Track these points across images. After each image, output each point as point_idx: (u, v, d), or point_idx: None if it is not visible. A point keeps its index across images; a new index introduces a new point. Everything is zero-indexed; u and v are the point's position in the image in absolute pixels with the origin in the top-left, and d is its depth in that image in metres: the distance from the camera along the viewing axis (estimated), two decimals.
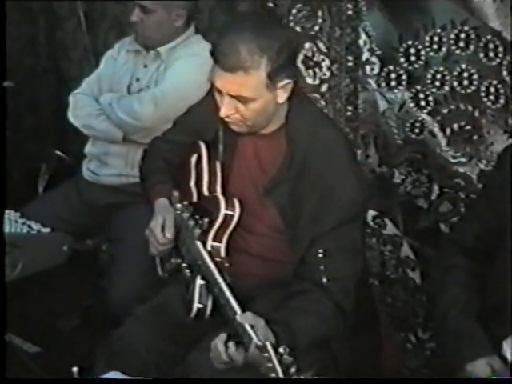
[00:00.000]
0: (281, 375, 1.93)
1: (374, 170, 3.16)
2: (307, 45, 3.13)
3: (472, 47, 2.95)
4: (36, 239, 3.05)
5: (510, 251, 2.21)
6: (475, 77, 2.97)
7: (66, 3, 4.27)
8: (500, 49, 2.91)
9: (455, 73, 2.99)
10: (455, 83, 2.99)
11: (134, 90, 3.24)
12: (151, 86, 3.19)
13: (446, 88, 3.02)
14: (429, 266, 3.00)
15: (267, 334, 2.04)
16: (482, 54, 2.94)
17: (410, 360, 3.13)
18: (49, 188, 3.70)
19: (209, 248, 2.32)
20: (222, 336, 2.08)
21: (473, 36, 2.94)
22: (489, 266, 2.30)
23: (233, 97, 2.19)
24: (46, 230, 3.08)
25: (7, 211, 3.06)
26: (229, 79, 2.16)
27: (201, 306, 2.29)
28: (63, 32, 4.34)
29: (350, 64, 3.12)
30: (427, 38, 3.01)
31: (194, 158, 2.49)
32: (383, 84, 3.11)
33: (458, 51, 2.98)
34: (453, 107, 3.02)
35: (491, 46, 2.92)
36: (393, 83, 3.09)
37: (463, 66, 2.98)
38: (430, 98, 3.05)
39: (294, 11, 3.13)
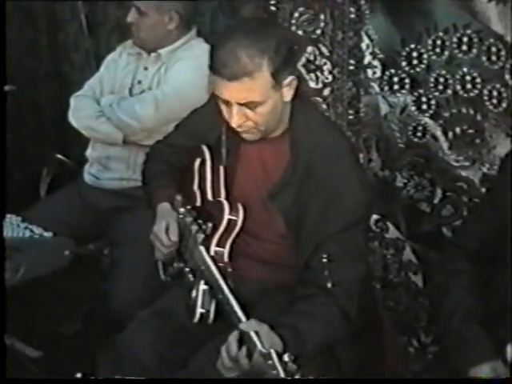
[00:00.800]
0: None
1: (376, 174, 3.15)
2: (309, 48, 3.13)
3: (474, 51, 2.95)
4: (38, 243, 3.05)
5: None
6: (478, 80, 2.96)
7: (67, 6, 4.27)
8: (503, 52, 2.90)
9: (458, 76, 2.99)
10: (458, 87, 2.99)
11: (136, 92, 3.25)
12: (153, 88, 3.20)
13: (449, 91, 3.01)
14: (431, 270, 3.00)
15: (272, 339, 2.04)
16: (484, 58, 2.93)
17: (413, 364, 3.13)
18: (50, 192, 3.70)
19: (212, 253, 2.31)
20: (236, 334, 2.07)
21: (475, 39, 2.94)
22: (492, 269, 2.30)
23: (242, 105, 2.18)
24: (47, 234, 3.08)
25: (9, 215, 3.06)
26: (235, 88, 2.15)
27: (204, 310, 2.28)
28: (65, 35, 4.34)
29: (352, 68, 3.12)
30: (429, 42, 3.00)
31: (197, 162, 2.49)
32: (385, 87, 3.10)
33: (460, 55, 2.97)
34: (455, 111, 3.02)
35: (494, 49, 2.91)
36: (395, 87, 3.09)
37: (465, 69, 2.97)
38: (433, 102, 3.04)
39: (296, 15, 3.13)
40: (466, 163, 3.04)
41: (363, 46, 3.09)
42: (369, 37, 3.08)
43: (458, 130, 3.03)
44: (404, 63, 3.06)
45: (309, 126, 2.31)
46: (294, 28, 3.10)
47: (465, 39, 2.95)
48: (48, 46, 4.39)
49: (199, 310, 2.29)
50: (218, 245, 2.33)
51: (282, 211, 2.31)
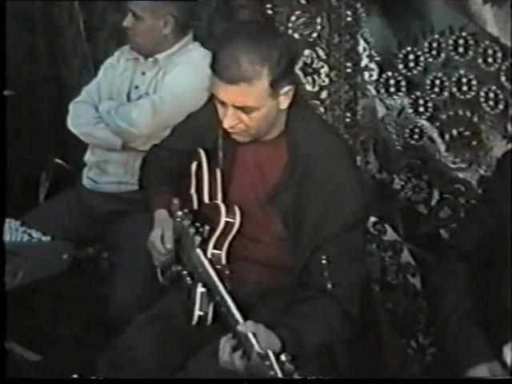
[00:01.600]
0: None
1: (373, 176, 3.16)
2: (306, 52, 3.14)
3: (471, 53, 2.96)
4: (36, 247, 3.04)
5: (510, 256, 2.21)
6: (474, 82, 2.97)
7: (65, 11, 4.27)
8: (499, 54, 2.91)
9: (454, 78, 3.00)
10: (454, 89, 3.00)
11: (134, 97, 3.25)
12: (150, 93, 3.19)
13: (445, 94, 3.02)
14: (429, 272, 2.99)
15: (269, 339, 2.04)
16: (480, 60, 2.94)
17: (411, 366, 3.13)
18: (49, 196, 3.70)
19: (209, 256, 2.32)
20: (231, 341, 2.07)
21: (471, 42, 2.95)
22: (489, 271, 2.30)
23: (237, 107, 2.19)
24: (46, 239, 3.08)
25: (8, 220, 3.06)
26: (232, 91, 2.16)
27: (202, 313, 2.28)
28: (63, 40, 4.33)
29: (349, 70, 3.13)
30: (426, 44, 3.01)
31: (193, 166, 2.50)
32: (382, 90, 3.11)
33: (456, 57, 2.98)
34: (452, 113, 3.02)
35: (490, 51, 2.92)
36: (392, 89, 3.10)
37: (462, 71, 2.98)
38: (429, 104, 3.05)
39: (293, 18, 3.14)
40: (463, 165, 3.04)
41: (360, 48, 3.10)
42: (365, 40, 3.09)
43: (454, 132, 3.04)
44: (401, 66, 3.07)
45: (306, 129, 2.32)
46: (290, 31, 3.10)
47: (461, 41, 2.96)
48: (46, 50, 4.38)
49: (197, 313, 2.29)
50: (215, 247, 2.33)
51: (279, 214, 2.32)
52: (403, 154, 3.12)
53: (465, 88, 2.98)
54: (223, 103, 2.21)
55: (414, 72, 3.06)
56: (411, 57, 3.04)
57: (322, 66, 3.15)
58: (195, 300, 2.29)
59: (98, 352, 2.58)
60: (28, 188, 3.85)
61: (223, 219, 2.33)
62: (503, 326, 2.19)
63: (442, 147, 3.06)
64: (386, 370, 2.65)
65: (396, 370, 2.82)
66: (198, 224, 2.38)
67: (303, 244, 2.27)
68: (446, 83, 3.00)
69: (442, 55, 3.00)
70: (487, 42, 2.92)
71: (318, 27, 3.12)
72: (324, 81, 3.16)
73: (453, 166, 3.05)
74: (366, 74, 3.12)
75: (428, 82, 3.04)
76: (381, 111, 3.13)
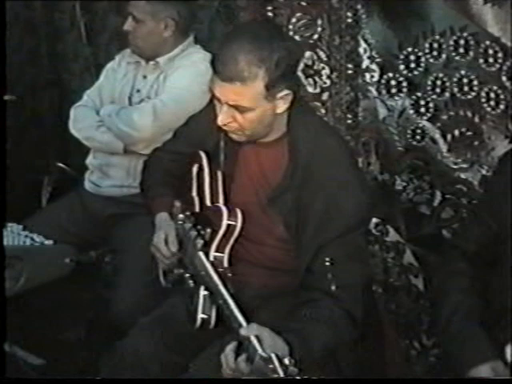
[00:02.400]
0: None
1: (375, 178, 3.16)
2: (307, 53, 3.13)
3: (471, 53, 2.95)
4: (39, 252, 3.05)
5: None
6: (475, 83, 2.97)
7: (67, 15, 4.28)
8: (499, 54, 2.91)
9: (455, 79, 2.99)
10: (455, 89, 3.00)
11: (135, 101, 3.25)
12: (152, 97, 3.20)
13: (446, 94, 3.02)
14: (432, 273, 3.00)
15: (275, 343, 2.03)
16: (481, 60, 2.94)
17: (415, 367, 3.13)
18: (51, 200, 3.70)
19: (211, 258, 2.32)
20: (233, 345, 2.07)
21: (472, 42, 2.94)
22: (491, 271, 2.30)
23: (231, 106, 2.20)
24: (48, 243, 3.08)
25: (10, 224, 3.06)
26: (227, 89, 2.17)
27: (205, 316, 2.29)
28: (64, 44, 4.35)
29: (350, 72, 3.13)
30: (427, 45, 3.01)
31: (195, 168, 2.50)
32: (383, 91, 3.11)
33: (457, 57, 2.98)
34: (453, 113, 3.02)
35: (491, 51, 2.92)
36: (393, 90, 3.10)
37: (463, 72, 2.98)
38: (431, 105, 3.05)
39: (293, 20, 3.14)
40: (465, 165, 3.04)
41: (361, 50, 3.10)
42: (366, 41, 3.09)
43: (456, 132, 3.03)
44: (402, 67, 3.07)
45: (307, 131, 2.31)
46: (291, 33, 3.10)
47: (461, 42, 2.96)
48: (48, 55, 4.40)
49: (200, 316, 2.29)
50: (217, 250, 2.33)
51: (281, 215, 2.31)
52: (405, 154, 3.12)
53: (466, 88, 2.98)
54: (219, 100, 2.22)
55: (415, 73, 3.06)
56: (412, 57, 3.04)
57: (323, 68, 3.15)
58: (198, 303, 2.29)
59: (101, 355, 2.58)
60: (30, 192, 3.85)
61: (225, 222, 2.33)
62: (506, 325, 2.19)
63: (444, 148, 3.06)
64: (389, 370, 2.66)
65: (399, 371, 2.83)
66: (199, 227, 2.38)
67: (306, 246, 2.26)
68: (447, 84, 3.00)
69: (443, 56, 3.00)
70: (488, 43, 2.91)
71: (319, 29, 3.12)
72: (325, 82, 3.16)
73: (455, 166, 3.05)
74: (367, 75, 3.12)
75: (429, 82, 3.03)
76: (382, 112, 3.12)
